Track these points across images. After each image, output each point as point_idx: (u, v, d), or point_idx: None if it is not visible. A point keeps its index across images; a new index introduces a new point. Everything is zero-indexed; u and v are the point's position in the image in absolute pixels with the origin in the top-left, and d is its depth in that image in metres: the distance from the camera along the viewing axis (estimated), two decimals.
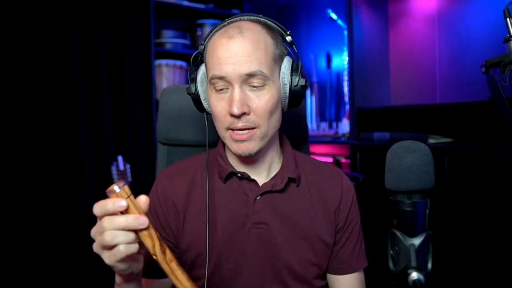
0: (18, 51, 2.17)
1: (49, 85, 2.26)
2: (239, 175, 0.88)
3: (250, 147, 0.81)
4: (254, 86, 0.79)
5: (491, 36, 2.10)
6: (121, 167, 2.05)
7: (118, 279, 0.73)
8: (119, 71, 2.48)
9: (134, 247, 0.61)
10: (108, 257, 0.62)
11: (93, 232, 0.63)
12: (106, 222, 0.60)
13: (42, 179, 2.21)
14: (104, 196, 0.63)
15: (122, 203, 0.59)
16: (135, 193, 0.62)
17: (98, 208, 0.61)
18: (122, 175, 2.04)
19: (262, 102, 0.80)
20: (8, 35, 2.15)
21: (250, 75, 0.78)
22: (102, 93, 2.42)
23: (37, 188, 2.20)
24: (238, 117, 0.78)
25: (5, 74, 2.14)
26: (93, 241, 0.65)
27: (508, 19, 0.85)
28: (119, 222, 0.59)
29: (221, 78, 0.79)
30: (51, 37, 2.26)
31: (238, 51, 0.77)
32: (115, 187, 0.60)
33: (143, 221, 0.60)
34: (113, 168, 2.06)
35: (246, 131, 0.80)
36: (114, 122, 2.46)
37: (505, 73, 0.83)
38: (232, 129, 0.81)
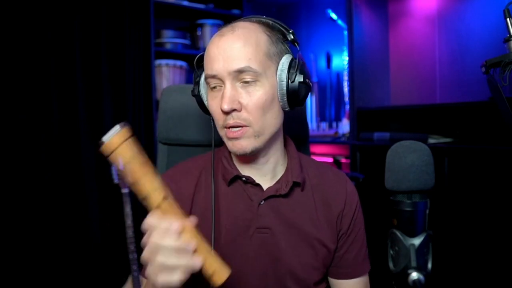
0: (18, 51, 2.17)
1: (49, 85, 2.25)
2: (243, 179, 0.87)
3: (244, 144, 0.80)
4: (246, 82, 0.79)
5: (491, 36, 2.10)
6: (121, 167, 2.05)
7: None
8: (119, 71, 2.48)
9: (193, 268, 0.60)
10: (164, 277, 0.60)
11: (144, 245, 0.62)
12: (157, 238, 0.60)
13: (42, 179, 2.21)
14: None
15: (174, 227, 0.58)
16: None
17: (150, 223, 0.61)
18: (122, 175, 2.03)
19: (254, 98, 0.79)
20: (9, 35, 2.14)
21: (240, 71, 0.78)
22: (102, 93, 2.42)
23: (37, 188, 2.20)
24: (229, 113, 0.79)
25: (5, 74, 2.14)
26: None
27: (508, 19, 0.85)
28: (171, 244, 0.59)
29: (213, 76, 0.80)
30: (51, 37, 2.26)
31: (226, 47, 0.79)
32: (114, 129, 0.56)
33: (192, 245, 0.59)
34: (113, 168, 2.05)
35: (238, 129, 0.80)
36: (114, 122, 2.44)
37: (505, 73, 0.83)
38: (226, 128, 0.81)
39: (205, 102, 0.88)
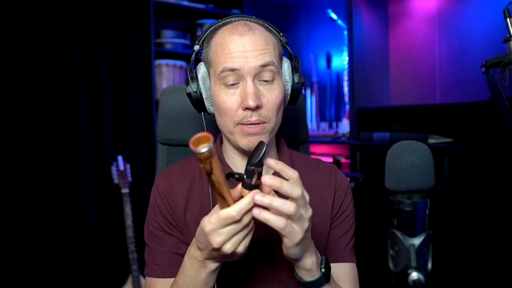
0: (19, 51, 2.18)
1: (49, 85, 2.26)
2: (236, 176, 0.89)
3: (261, 140, 0.82)
4: (265, 81, 0.81)
5: (491, 36, 2.10)
6: (121, 167, 2.05)
7: (215, 265, 0.73)
8: (119, 71, 2.48)
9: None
10: (245, 245, 0.68)
11: (224, 239, 0.66)
12: (247, 218, 0.66)
13: (42, 179, 2.21)
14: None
15: (258, 198, 0.64)
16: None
17: (239, 211, 0.64)
18: (122, 175, 2.03)
19: (273, 96, 0.82)
20: (8, 35, 2.15)
21: (264, 66, 0.80)
22: (102, 93, 2.42)
23: (37, 188, 2.20)
24: (253, 109, 0.80)
25: (5, 74, 2.15)
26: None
27: (508, 19, 0.85)
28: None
29: (233, 70, 0.79)
30: (51, 37, 2.26)
31: (252, 46, 0.79)
32: (202, 149, 0.56)
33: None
34: (113, 168, 2.05)
35: (257, 125, 0.81)
36: (114, 122, 2.46)
37: (505, 73, 0.83)
38: (242, 124, 0.81)
39: (205, 99, 0.87)
